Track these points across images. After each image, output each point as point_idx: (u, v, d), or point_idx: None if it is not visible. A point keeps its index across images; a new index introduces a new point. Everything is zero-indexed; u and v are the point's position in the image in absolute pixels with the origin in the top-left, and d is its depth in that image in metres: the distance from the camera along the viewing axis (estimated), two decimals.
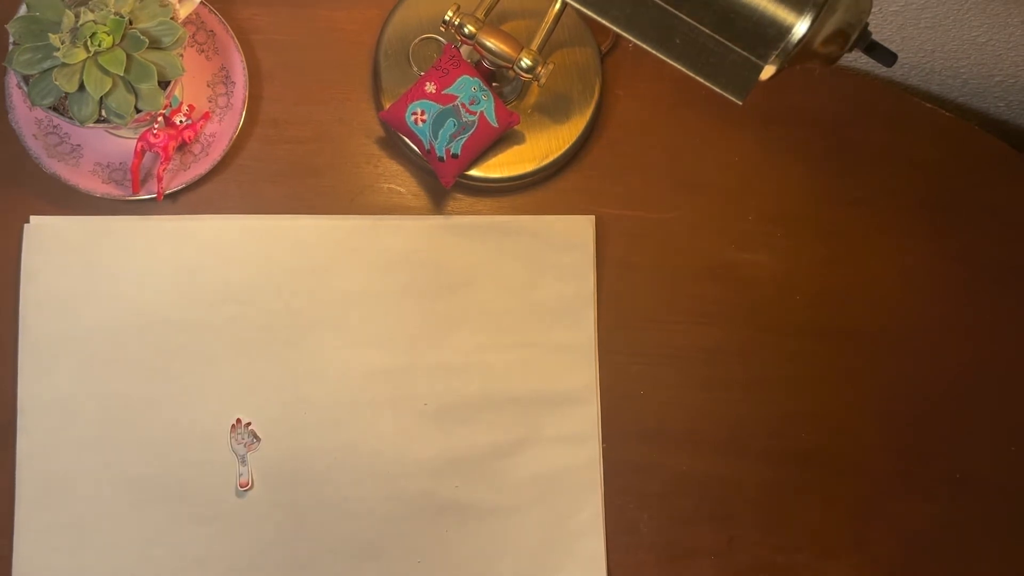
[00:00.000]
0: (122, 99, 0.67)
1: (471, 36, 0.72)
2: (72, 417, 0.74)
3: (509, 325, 0.78)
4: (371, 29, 0.80)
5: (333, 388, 0.76)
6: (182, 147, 0.76)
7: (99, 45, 0.66)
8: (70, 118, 0.68)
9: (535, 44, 0.72)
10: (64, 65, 0.66)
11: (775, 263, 0.83)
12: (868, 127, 0.85)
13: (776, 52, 0.53)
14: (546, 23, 0.72)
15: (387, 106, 0.77)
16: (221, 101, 0.77)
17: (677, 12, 0.56)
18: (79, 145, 0.75)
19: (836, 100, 0.85)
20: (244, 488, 0.74)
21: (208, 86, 0.77)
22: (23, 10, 0.68)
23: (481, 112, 0.75)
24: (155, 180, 0.75)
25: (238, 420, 0.75)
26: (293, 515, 0.75)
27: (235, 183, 0.78)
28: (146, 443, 0.74)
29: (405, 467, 0.76)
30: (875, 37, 0.55)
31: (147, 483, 0.74)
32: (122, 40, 0.67)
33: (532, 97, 0.81)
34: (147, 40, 0.67)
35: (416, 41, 0.80)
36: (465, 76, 0.75)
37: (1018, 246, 0.86)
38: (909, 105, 0.87)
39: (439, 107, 0.75)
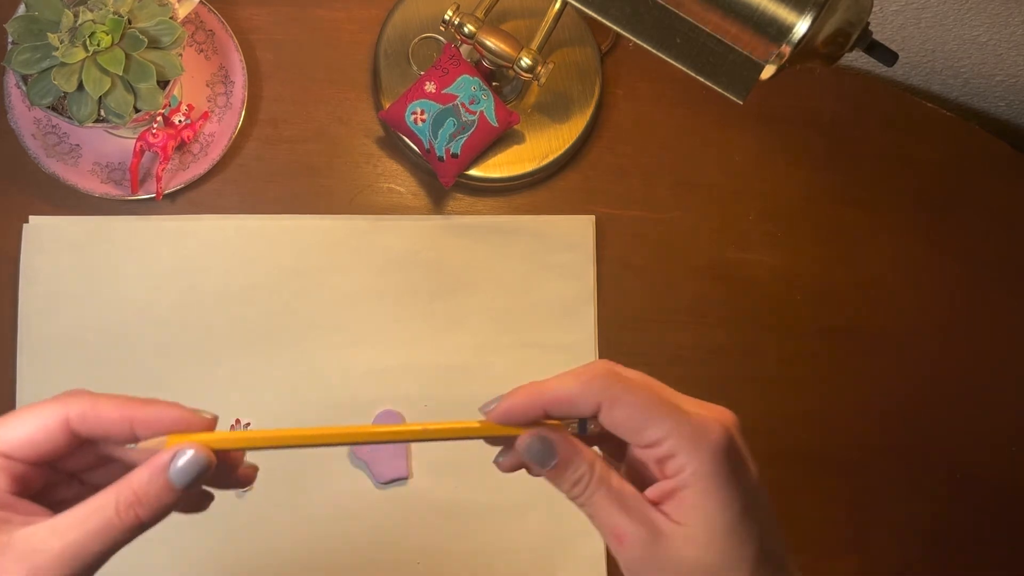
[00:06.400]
0: (121, 99, 0.67)
1: (471, 35, 0.72)
2: None
3: (509, 325, 0.78)
4: (371, 28, 0.80)
5: (333, 388, 0.76)
6: (181, 147, 0.76)
7: (98, 45, 0.66)
8: (69, 118, 0.68)
9: (535, 43, 0.72)
10: (63, 65, 0.66)
11: (775, 263, 0.82)
12: (869, 127, 0.85)
13: (776, 51, 0.53)
14: (546, 22, 0.72)
15: (387, 105, 0.77)
16: (220, 101, 0.77)
17: (677, 11, 0.55)
18: (78, 145, 0.75)
19: (837, 100, 0.85)
20: (243, 489, 0.74)
21: (207, 85, 0.77)
22: (22, 9, 0.67)
23: (481, 111, 0.75)
24: (154, 180, 0.75)
25: (237, 420, 0.75)
26: (292, 516, 0.75)
27: (234, 183, 0.78)
28: None
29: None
30: (876, 36, 0.55)
31: None
32: (121, 40, 0.67)
33: (532, 97, 0.80)
34: (146, 40, 0.67)
35: (416, 40, 0.79)
36: (465, 75, 0.75)
37: (1019, 246, 0.86)
38: (910, 105, 0.87)
39: (439, 106, 0.75)
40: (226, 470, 0.43)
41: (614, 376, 0.42)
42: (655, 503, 0.43)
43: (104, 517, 0.40)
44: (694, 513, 0.41)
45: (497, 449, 0.47)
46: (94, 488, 0.41)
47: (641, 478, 0.44)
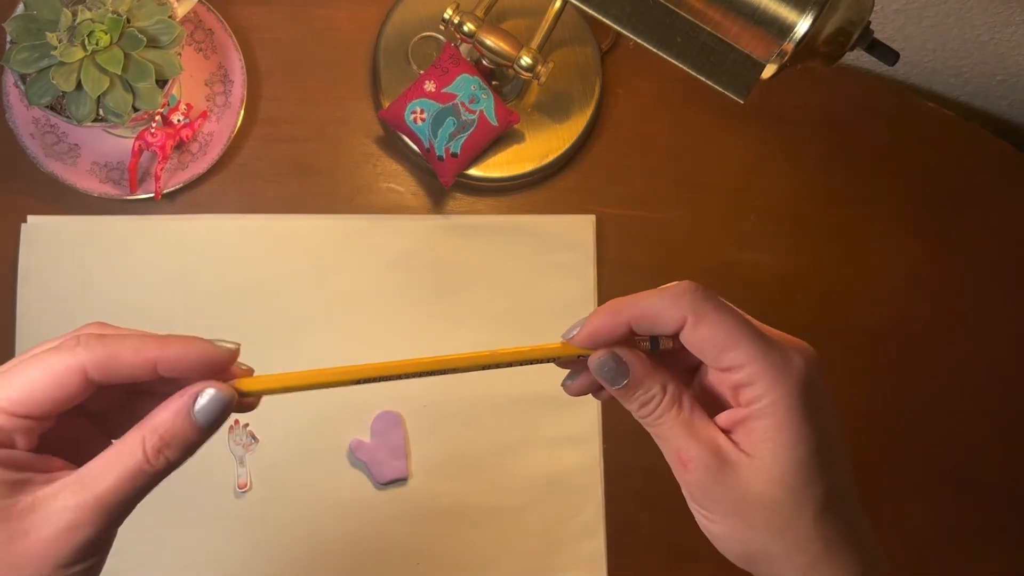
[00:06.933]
0: (120, 98, 0.67)
1: (471, 34, 0.72)
2: None
3: (509, 325, 0.78)
4: (370, 27, 0.80)
5: (331, 388, 0.76)
6: (180, 146, 0.75)
7: (97, 44, 0.66)
8: (67, 117, 0.68)
9: (535, 42, 0.72)
10: (61, 64, 0.66)
11: (776, 263, 0.82)
12: (870, 126, 0.85)
13: (777, 50, 0.53)
14: (546, 21, 0.72)
15: (386, 105, 0.77)
16: (219, 100, 0.77)
17: (678, 10, 0.55)
18: (76, 144, 0.75)
19: (838, 99, 0.85)
20: (242, 489, 0.74)
21: (206, 85, 0.77)
22: (20, 8, 0.67)
23: (481, 111, 0.75)
24: (153, 179, 0.74)
25: (236, 421, 0.75)
26: (291, 516, 0.74)
27: (233, 182, 0.78)
28: None
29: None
30: (877, 35, 0.55)
31: None
32: (120, 39, 0.66)
33: (532, 96, 0.80)
34: (145, 39, 0.67)
35: (415, 39, 0.79)
36: (465, 75, 0.75)
37: (1020, 245, 0.86)
38: (911, 104, 0.87)
39: (438, 106, 0.75)
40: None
41: (702, 292, 0.41)
42: (724, 431, 0.42)
43: (133, 463, 0.39)
44: (765, 445, 0.40)
45: (564, 373, 0.46)
46: (107, 423, 0.41)
47: (711, 404, 0.43)
